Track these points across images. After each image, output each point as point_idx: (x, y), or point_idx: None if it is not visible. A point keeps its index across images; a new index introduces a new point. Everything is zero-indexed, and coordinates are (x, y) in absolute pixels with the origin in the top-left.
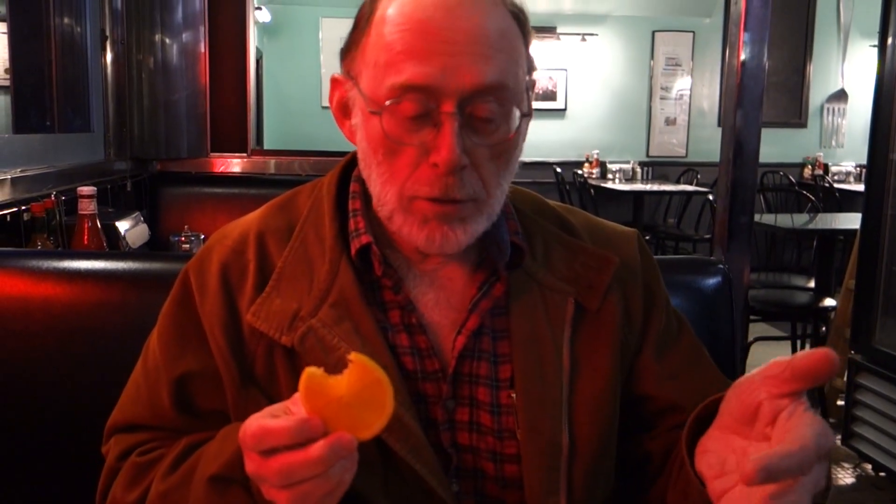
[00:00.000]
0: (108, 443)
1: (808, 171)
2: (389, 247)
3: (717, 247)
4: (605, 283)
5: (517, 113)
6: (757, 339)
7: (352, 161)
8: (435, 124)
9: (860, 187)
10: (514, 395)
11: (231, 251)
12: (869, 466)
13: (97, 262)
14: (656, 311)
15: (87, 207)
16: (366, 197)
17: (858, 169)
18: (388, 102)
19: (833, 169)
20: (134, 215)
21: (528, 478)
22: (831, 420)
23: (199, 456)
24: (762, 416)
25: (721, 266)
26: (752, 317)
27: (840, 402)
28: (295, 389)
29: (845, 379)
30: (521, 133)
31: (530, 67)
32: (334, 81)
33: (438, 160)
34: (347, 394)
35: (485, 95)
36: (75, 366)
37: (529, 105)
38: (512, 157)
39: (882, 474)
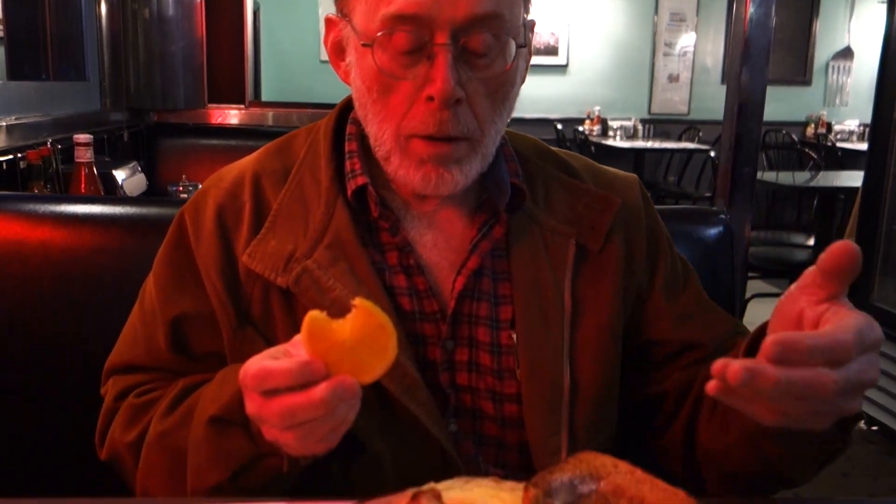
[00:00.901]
0: (105, 384)
1: (810, 130)
2: (386, 188)
3: (719, 198)
4: (607, 225)
5: (513, 45)
6: (754, 296)
7: (349, 104)
8: (429, 57)
9: (863, 146)
10: (514, 336)
11: (227, 193)
12: (861, 421)
13: (94, 207)
14: (662, 255)
15: (84, 155)
16: (362, 139)
17: (862, 128)
18: (379, 34)
19: (836, 128)
20: (131, 165)
21: (530, 418)
22: None
23: (198, 397)
24: (806, 323)
25: (723, 216)
26: (750, 273)
27: None
28: (291, 331)
29: None
30: (517, 68)
31: (527, 4)
32: (328, 22)
33: (433, 92)
34: (350, 338)
35: (479, 26)
36: (73, 309)
37: (528, 43)
38: (509, 94)
39: (874, 428)
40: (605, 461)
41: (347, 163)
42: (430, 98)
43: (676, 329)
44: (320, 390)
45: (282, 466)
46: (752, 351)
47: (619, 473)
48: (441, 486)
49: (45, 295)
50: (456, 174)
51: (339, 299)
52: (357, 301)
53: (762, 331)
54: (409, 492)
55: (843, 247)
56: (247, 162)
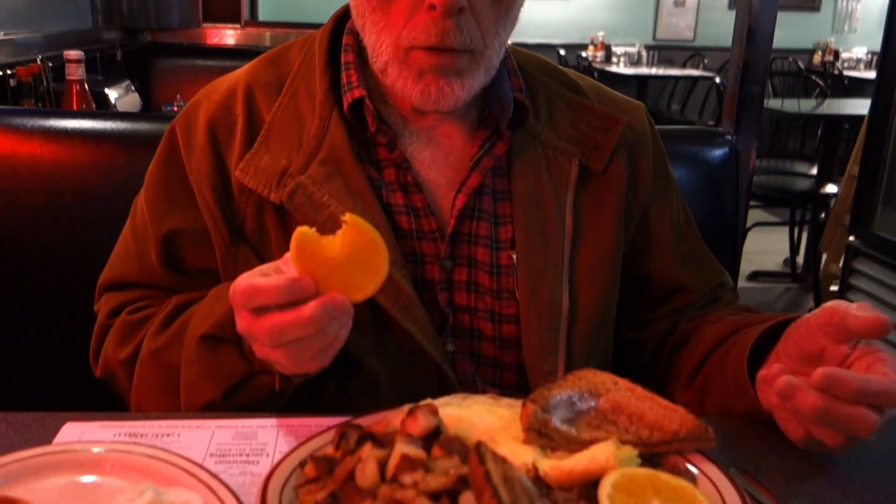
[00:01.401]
0: (98, 301)
1: (817, 57)
2: (384, 103)
3: (725, 119)
4: (612, 144)
5: None
6: (755, 225)
7: (346, 13)
8: None
9: (870, 74)
10: (514, 256)
11: (219, 106)
12: None
13: (84, 122)
14: (670, 190)
15: (75, 72)
16: (359, 50)
17: (870, 56)
18: None
19: (844, 55)
20: (125, 84)
21: (527, 338)
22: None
23: (190, 315)
24: (829, 358)
25: (729, 137)
26: (751, 202)
27: (834, 288)
28: (285, 248)
29: (841, 265)
30: None
31: None
32: None
33: (435, 0)
34: (340, 255)
35: None
36: (64, 226)
37: None
38: (513, 4)
39: None
40: (604, 378)
41: (343, 74)
42: (433, 7)
43: (674, 269)
44: (310, 308)
45: (274, 384)
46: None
47: (619, 391)
48: (438, 402)
49: (35, 211)
50: (457, 87)
51: (333, 216)
52: (347, 217)
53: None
54: (406, 407)
55: (878, 321)
56: (239, 74)
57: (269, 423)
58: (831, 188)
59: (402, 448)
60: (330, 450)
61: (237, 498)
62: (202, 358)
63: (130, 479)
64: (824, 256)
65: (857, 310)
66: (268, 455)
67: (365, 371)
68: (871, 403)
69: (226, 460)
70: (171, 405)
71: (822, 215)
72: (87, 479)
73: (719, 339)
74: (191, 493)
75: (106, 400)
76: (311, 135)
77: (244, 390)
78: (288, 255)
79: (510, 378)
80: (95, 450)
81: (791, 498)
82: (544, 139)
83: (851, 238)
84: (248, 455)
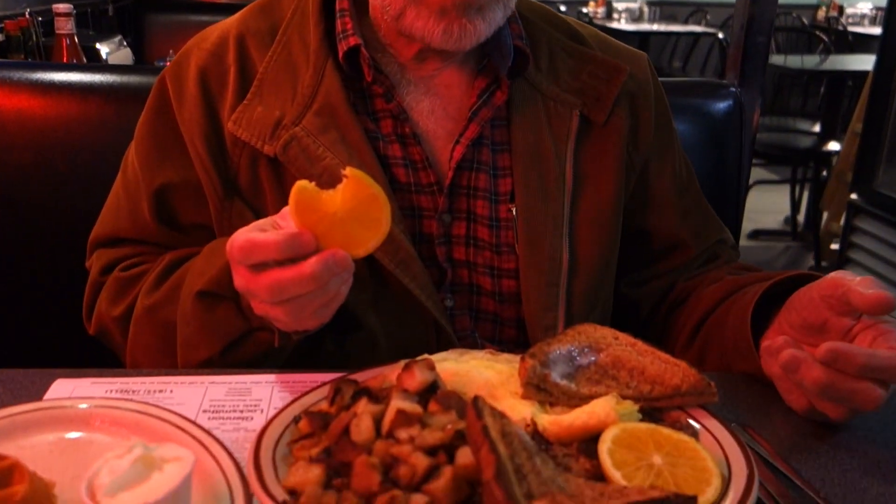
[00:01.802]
0: (90, 257)
1: (821, 13)
2: (380, 51)
3: (729, 71)
4: (614, 95)
5: None
6: (756, 183)
7: None
8: None
9: (875, 30)
10: (513, 210)
11: (210, 55)
12: None
13: (73, 75)
14: (672, 143)
15: (65, 26)
16: None
17: (875, 11)
18: None
19: (848, 10)
20: (116, 39)
21: (527, 293)
22: (824, 263)
23: (185, 271)
24: (832, 330)
25: (733, 89)
26: (752, 160)
27: (834, 247)
28: (280, 202)
29: (842, 223)
30: None
31: None
32: None
33: None
34: (341, 209)
35: None
36: (54, 181)
37: None
38: None
39: None
40: (605, 333)
41: (338, 22)
42: None
43: (673, 224)
44: (310, 264)
45: (273, 341)
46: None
47: (620, 345)
48: (435, 357)
49: (23, 165)
50: (479, 24)
51: (329, 169)
52: (348, 170)
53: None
54: (402, 363)
55: (882, 299)
56: (230, 22)
57: (264, 379)
58: (834, 145)
59: (397, 403)
60: (325, 405)
61: (230, 454)
62: (198, 315)
63: (120, 435)
64: (825, 215)
65: (861, 285)
66: (262, 411)
67: (363, 327)
68: (876, 378)
69: (219, 416)
70: (167, 363)
71: (824, 173)
72: (76, 435)
73: (719, 299)
74: (182, 449)
75: (98, 357)
76: (306, 85)
77: (242, 347)
78: (286, 209)
79: (510, 333)
80: (84, 406)
81: (794, 454)
82: (545, 89)
83: (853, 195)
84: (241, 411)
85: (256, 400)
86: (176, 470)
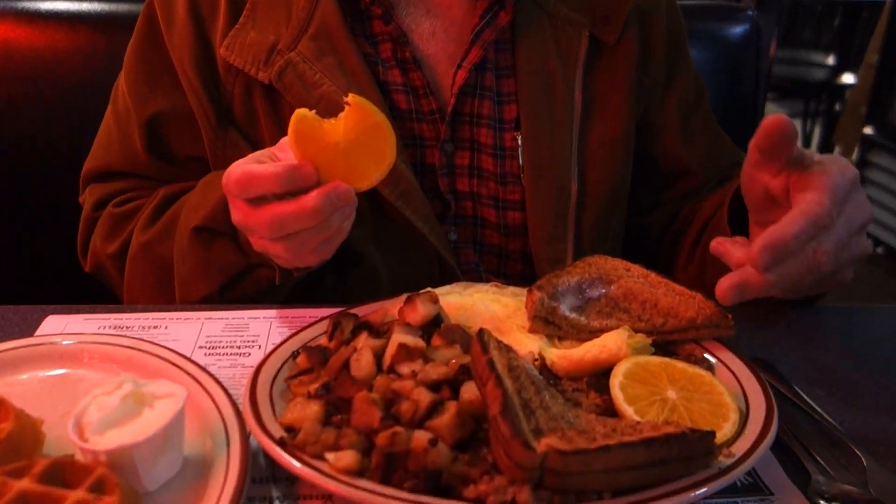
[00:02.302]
0: (83, 192)
1: None
2: None
3: None
4: (625, 12)
5: None
6: None
7: None
8: None
9: None
10: (519, 137)
11: None
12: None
13: (58, 4)
14: (682, 63)
15: None
16: None
17: None
18: None
19: None
20: None
21: (533, 225)
22: None
23: (181, 206)
24: (776, 194)
25: (750, 13)
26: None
27: None
28: (277, 133)
29: (854, 157)
30: None
31: None
32: None
33: None
34: (343, 140)
35: None
36: (43, 115)
37: None
38: None
39: (879, 250)
40: (615, 264)
41: None
42: None
43: (680, 147)
44: (312, 198)
45: (273, 278)
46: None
47: (631, 277)
48: (439, 291)
49: (12, 98)
50: None
51: (327, 96)
52: (350, 98)
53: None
54: (404, 296)
55: (772, 123)
56: None
57: (262, 314)
58: (848, 78)
59: (399, 337)
60: (324, 340)
61: (225, 389)
62: (195, 251)
63: (111, 371)
64: (837, 149)
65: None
66: (259, 347)
67: (364, 263)
68: (817, 233)
69: (215, 352)
70: (165, 300)
71: (837, 106)
72: (66, 371)
73: (713, 211)
74: (174, 385)
75: (93, 293)
76: (301, 7)
77: (241, 284)
78: (284, 140)
79: (516, 267)
80: (74, 342)
81: (814, 387)
82: (551, 9)
83: (867, 129)
84: (238, 347)
85: (254, 335)
86: (168, 406)
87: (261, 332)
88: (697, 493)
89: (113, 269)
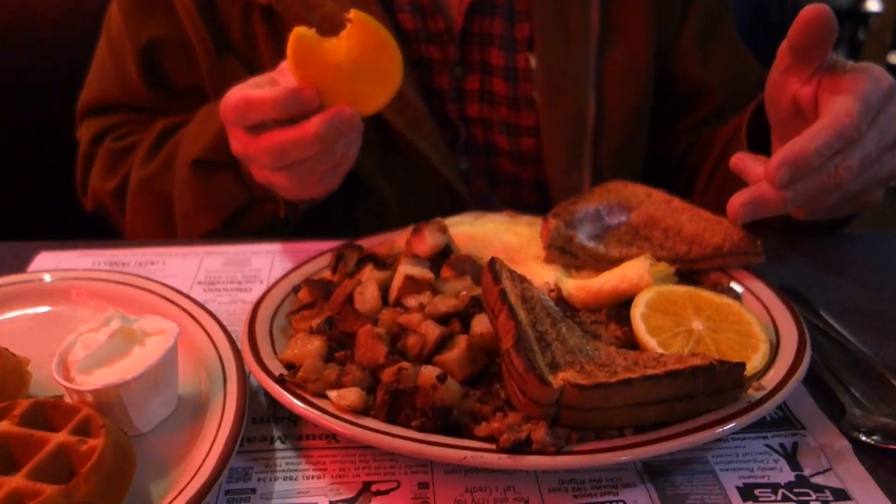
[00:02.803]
0: (80, 127)
1: None
2: None
3: None
4: None
5: None
6: None
7: None
8: None
9: None
10: (532, 59)
11: None
12: None
13: None
14: None
15: None
16: None
17: None
18: None
19: None
20: None
21: (549, 152)
22: None
23: (179, 139)
24: (804, 106)
25: None
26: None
27: None
28: (278, 57)
29: None
30: None
31: None
32: None
33: None
34: (346, 60)
35: None
36: (37, 46)
37: None
38: None
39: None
40: (636, 190)
41: None
42: None
43: (698, 67)
44: (314, 124)
45: (278, 212)
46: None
47: (653, 203)
48: (449, 221)
49: (4, 31)
50: None
51: (329, 17)
52: (353, 14)
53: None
54: (412, 227)
55: (812, 13)
56: None
57: (264, 248)
58: (873, 5)
59: (406, 269)
60: (327, 274)
61: (222, 325)
62: (196, 186)
63: (101, 309)
64: None
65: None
66: (261, 282)
67: (372, 194)
68: (842, 147)
69: (215, 288)
70: (168, 236)
71: (861, 35)
72: (55, 309)
73: (734, 132)
74: (166, 321)
75: (92, 230)
76: None
77: (245, 219)
78: (284, 64)
79: (530, 197)
80: (62, 278)
81: (847, 318)
82: None
83: (892, 56)
84: (239, 282)
85: (255, 270)
86: (159, 343)
87: (263, 266)
88: (725, 428)
89: (114, 207)
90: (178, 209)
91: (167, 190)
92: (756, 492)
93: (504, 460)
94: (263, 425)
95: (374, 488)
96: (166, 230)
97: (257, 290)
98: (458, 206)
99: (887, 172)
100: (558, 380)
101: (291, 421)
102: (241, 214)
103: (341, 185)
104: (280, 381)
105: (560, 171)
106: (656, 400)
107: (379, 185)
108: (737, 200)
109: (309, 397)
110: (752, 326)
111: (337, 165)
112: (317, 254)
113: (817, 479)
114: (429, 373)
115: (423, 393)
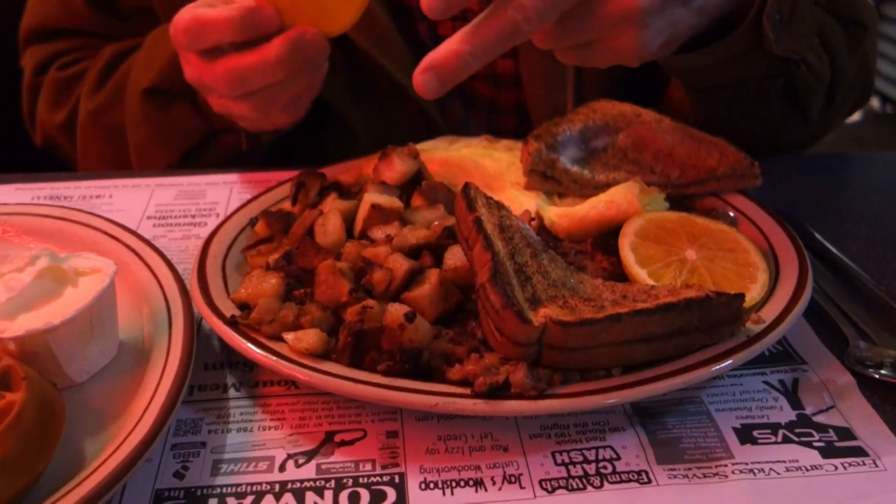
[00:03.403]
0: (23, 56)
1: None
2: None
3: None
4: None
5: None
6: None
7: None
8: None
9: None
10: None
11: None
12: (876, 102)
13: None
14: None
15: None
16: None
17: None
18: None
19: None
20: None
21: (527, 73)
22: None
23: (129, 67)
24: None
25: None
26: None
27: None
28: None
29: None
30: None
31: None
32: None
33: None
34: None
35: None
36: None
37: None
38: None
39: (889, 110)
40: (624, 109)
41: None
42: None
43: None
44: (275, 47)
45: (240, 144)
46: None
47: (642, 123)
48: (421, 146)
49: None
50: None
51: None
52: None
53: None
54: (381, 151)
55: None
56: None
57: (221, 179)
58: None
59: (372, 197)
60: (287, 205)
61: (168, 262)
62: (149, 117)
63: (30, 244)
64: None
65: None
66: (217, 215)
67: (340, 121)
68: None
69: (166, 223)
70: (123, 167)
71: None
72: None
73: None
74: (101, 259)
75: (43, 167)
76: None
77: (205, 153)
78: None
79: (509, 123)
80: None
81: (844, 243)
82: None
83: None
84: (193, 216)
85: (211, 203)
86: (93, 284)
87: (220, 198)
88: (721, 366)
89: (64, 141)
90: (132, 143)
91: (119, 122)
92: (754, 433)
93: (480, 406)
94: (216, 372)
95: (337, 438)
96: (121, 165)
97: (213, 225)
98: (432, 134)
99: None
100: (539, 316)
101: (247, 367)
102: (200, 148)
103: (307, 113)
104: (231, 322)
105: (540, 94)
106: (647, 337)
107: (346, 112)
108: (416, 73)
109: (264, 341)
110: (749, 255)
111: (301, 92)
112: (277, 184)
113: (820, 418)
114: (396, 311)
115: (389, 333)
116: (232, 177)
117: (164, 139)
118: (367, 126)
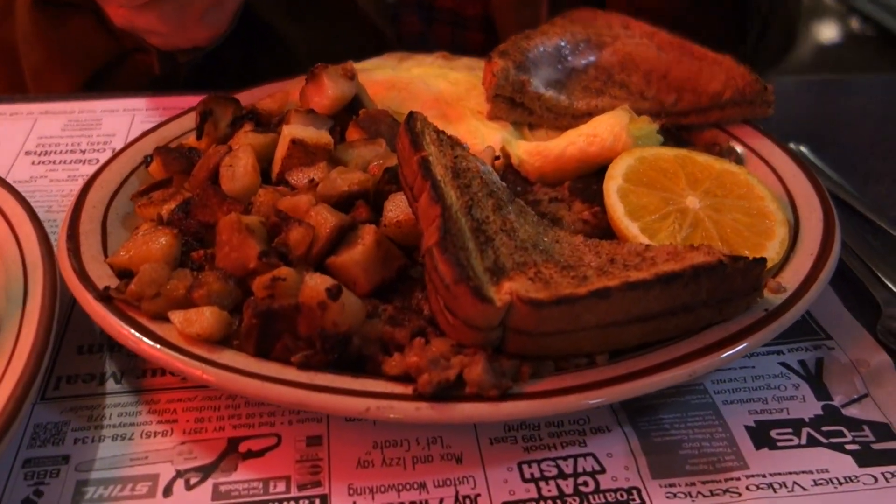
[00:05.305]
0: None
1: None
2: None
3: None
4: None
5: None
6: None
7: None
8: None
9: None
10: None
11: None
12: (856, 22)
13: None
14: None
15: None
16: None
17: None
18: None
19: None
20: None
21: None
22: None
23: None
24: None
25: None
26: None
27: None
28: None
29: None
30: None
31: None
32: None
33: None
34: None
35: None
36: None
37: None
38: None
39: (869, 32)
40: (609, 20)
41: None
42: None
43: None
44: None
45: (153, 66)
46: None
47: (631, 38)
48: (362, 64)
49: None
50: None
51: None
52: None
53: None
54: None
55: None
56: None
57: (122, 105)
58: None
59: (293, 129)
60: (192, 139)
61: (32, 214)
62: (44, 34)
63: None
64: None
65: None
66: (114, 150)
67: (276, 37)
68: None
69: (49, 159)
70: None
71: None
72: None
73: None
74: None
75: None
76: None
77: (114, 77)
78: None
79: (475, 38)
80: None
81: (870, 182)
82: None
83: None
84: (83, 151)
85: (107, 135)
86: None
87: (118, 129)
88: (733, 351)
89: None
90: (26, 65)
91: (10, 39)
92: (772, 433)
93: (424, 412)
94: (93, 357)
95: (242, 447)
96: (17, 90)
97: None
98: (383, 52)
99: None
100: (503, 293)
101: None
102: (107, 70)
103: (233, 27)
104: (104, 297)
105: (509, 5)
106: (642, 316)
107: (283, 28)
108: None
109: (144, 322)
110: (764, 202)
111: (217, 2)
112: (187, 110)
113: (851, 411)
114: (316, 284)
115: (307, 314)
116: (135, 102)
117: (65, 60)
118: (308, 42)
